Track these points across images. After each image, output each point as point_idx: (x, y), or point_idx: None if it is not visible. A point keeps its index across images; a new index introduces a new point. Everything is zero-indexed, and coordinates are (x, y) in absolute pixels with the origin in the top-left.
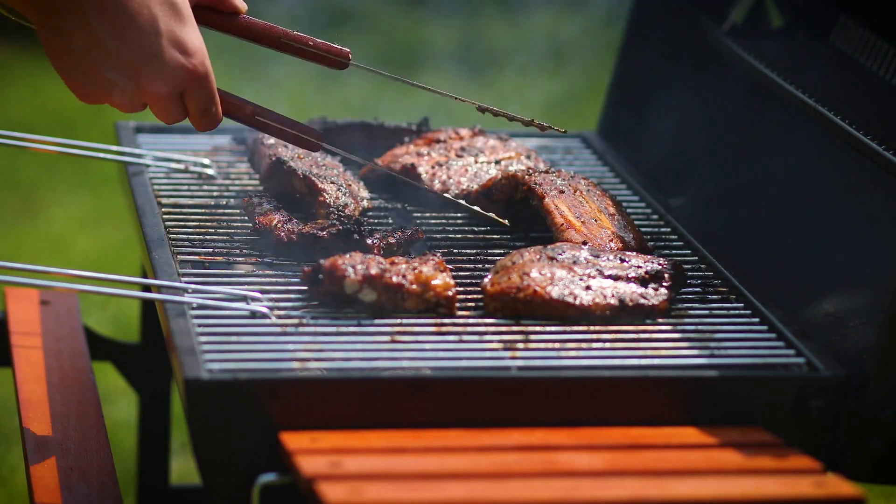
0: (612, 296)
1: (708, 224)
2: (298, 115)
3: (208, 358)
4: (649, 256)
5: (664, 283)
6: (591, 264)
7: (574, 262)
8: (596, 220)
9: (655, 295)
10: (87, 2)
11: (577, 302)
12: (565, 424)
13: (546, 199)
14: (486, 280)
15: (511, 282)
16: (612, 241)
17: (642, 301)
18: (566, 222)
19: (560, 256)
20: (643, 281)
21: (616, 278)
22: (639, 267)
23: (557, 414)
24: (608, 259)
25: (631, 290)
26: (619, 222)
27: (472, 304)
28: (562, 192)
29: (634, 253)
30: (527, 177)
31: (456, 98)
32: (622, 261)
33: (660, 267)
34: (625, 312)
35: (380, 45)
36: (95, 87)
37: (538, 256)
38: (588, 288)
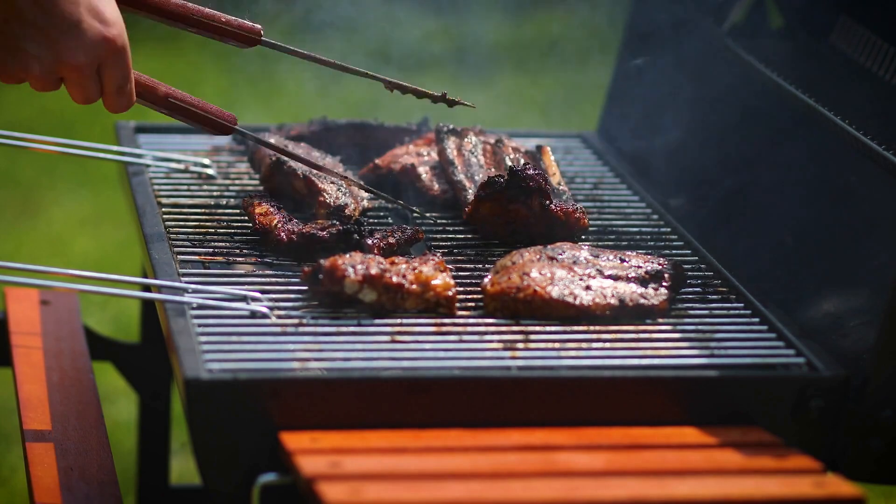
0: (612, 296)
1: (708, 224)
2: (299, 116)
3: (208, 358)
4: (649, 256)
5: (664, 283)
6: (591, 264)
7: (574, 262)
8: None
9: (655, 295)
10: None
11: (577, 302)
12: (565, 424)
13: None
14: (486, 280)
15: (511, 282)
16: None
17: (642, 301)
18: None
19: (560, 256)
20: (643, 281)
21: (616, 278)
22: (639, 267)
23: (557, 414)
24: (608, 259)
25: (631, 290)
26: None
27: (472, 305)
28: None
29: (634, 253)
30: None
31: (368, 75)
32: (622, 261)
33: (660, 267)
34: (625, 312)
35: (380, 45)
36: (15, 60)
37: (538, 256)
38: (588, 288)
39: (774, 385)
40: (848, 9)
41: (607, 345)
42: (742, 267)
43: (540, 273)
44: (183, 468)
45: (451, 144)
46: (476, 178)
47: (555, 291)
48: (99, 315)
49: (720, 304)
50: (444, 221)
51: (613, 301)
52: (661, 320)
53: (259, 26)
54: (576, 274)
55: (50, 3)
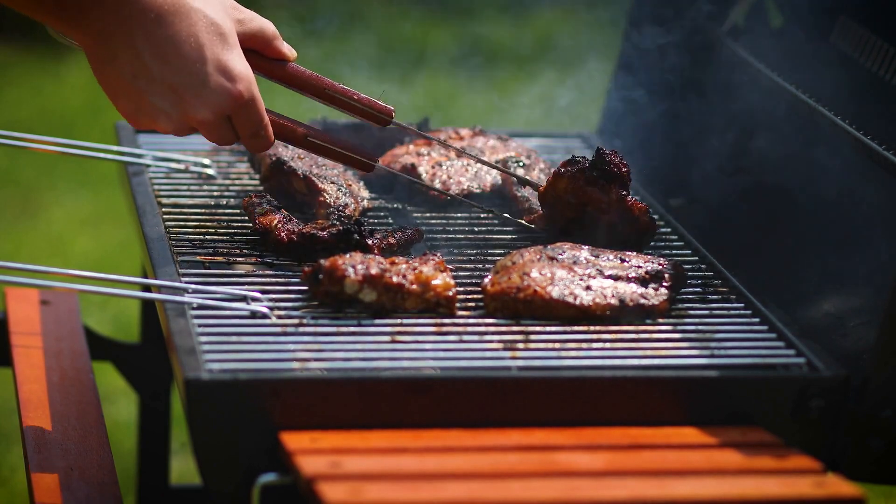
0: (613, 296)
1: (708, 224)
2: (299, 116)
3: (208, 358)
4: (649, 256)
5: (664, 283)
6: (591, 264)
7: (574, 262)
8: None
9: (656, 295)
10: (136, 29)
11: (578, 302)
12: (565, 424)
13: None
14: (486, 280)
15: (511, 282)
16: None
17: (642, 301)
18: None
19: (560, 256)
20: (643, 281)
21: (616, 278)
22: (639, 267)
23: (557, 414)
24: (608, 259)
25: (631, 290)
26: None
27: (473, 305)
28: None
29: (634, 253)
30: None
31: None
32: (622, 261)
33: (660, 267)
34: (625, 312)
35: (383, 45)
36: (142, 112)
37: (538, 256)
38: (588, 288)
39: (774, 385)
40: (848, 9)
41: (607, 345)
42: (742, 267)
43: (540, 273)
44: (183, 468)
45: (519, 172)
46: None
47: (555, 291)
48: (99, 315)
49: (720, 304)
50: (444, 221)
51: (614, 301)
52: (661, 320)
53: (391, 108)
54: (576, 274)
55: (177, 62)
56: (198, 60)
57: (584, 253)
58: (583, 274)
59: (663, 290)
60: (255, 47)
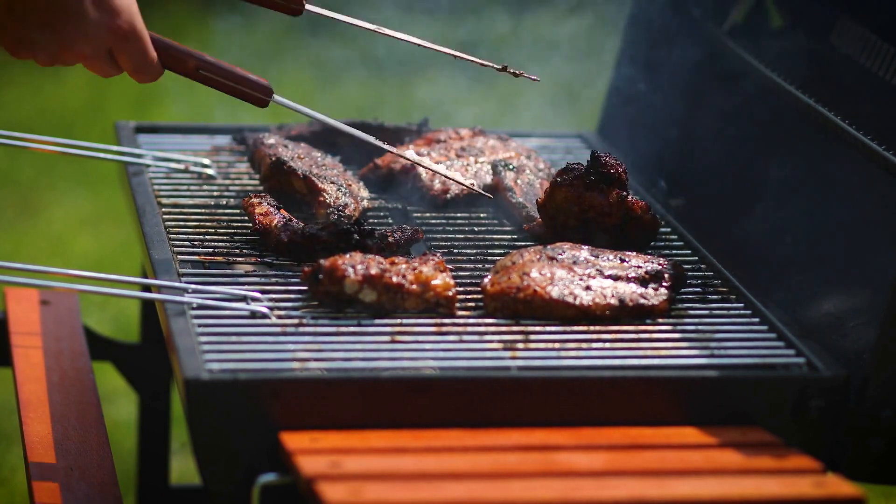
0: (612, 296)
1: (708, 224)
2: (299, 116)
3: (208, 358)
4: (649, 256)
5: (664, 283)
6: (591, 264)
7: (574, 262)
8: None
9: (655, 295)
10: None
11: (577, 302)
12: (565, 424)
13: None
14: (485, 280)
15: (511, 282)
16: None
17: (642, 301)
18: None
19: (560, 256)
20: (643, 281)
21: (616, 278)
22: (639, 267)
23: (557, 414)
24: (608, 259)
25: (631, 290)
26: None
27: (472, 305)
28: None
29: (634, 253)
30: None
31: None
32: (622, 261)
33: (660, 267)
34: (625, 312)
35: (379, 46)
36: (21, 46)
37: (538, 256)
38: (588, 288)
39: (774, 385)
40: (848, 9)
41: (607, 345)
42: (742, 267)
43: (540, 273)
44: (183, 468)
45: (509, 175)
46: (533, 201)
47: (555, 291)
48: (99, 315)
49: (720, 304)
50: (444, 221)
51: (613, 301)
52: (661, 320)
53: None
54: (576, 274)
55: None
56: None
57: (584, 253)
58: (582, 274)
59: (663, 290)
60: None
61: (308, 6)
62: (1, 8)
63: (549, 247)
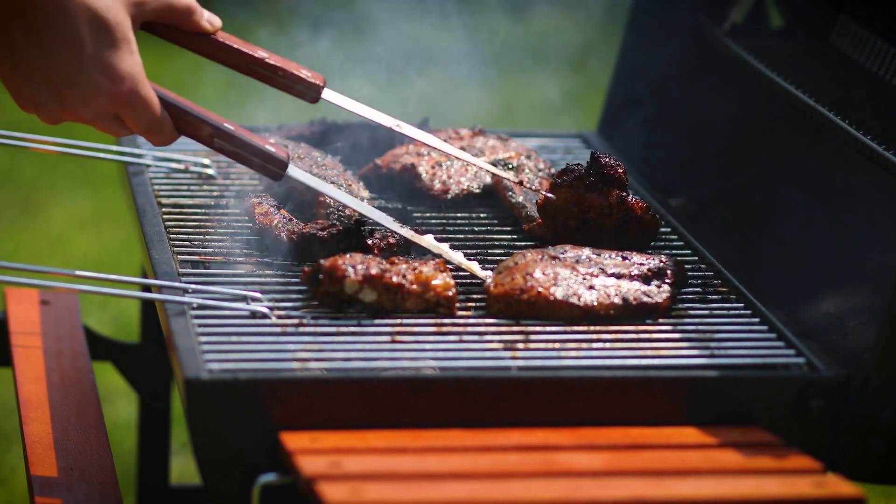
0: (616, 294)
1: (708, 224)
2: (299, 116)
3: (208, 358)
4: (650, 254)
5: (667, 280)
6: (594, 263)
7: (577, 261)
8: None
9: (658, 292)
10: (11, 17)
11: (581, 302)
12: (565, 424)
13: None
14: (489, 281)
15: (515, 283)
16: None
17: (646, 299)
18: None
19: (562, 255)
20: (646, 278)
21: (619, 276)
22: (641, 264)
23: (557, 414)
24: (610, 257)
25: (634, 289)
26: None
27: (473, 305)
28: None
29: (635, 252)
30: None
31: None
32: (624, 258)
33: (662, 264)
34: (629, 311)
35: (380, 46)
36: (24, 101)
37: (541, 256)
38: (591, 287)
39: (774, 385)
40: (848, 9)
41: (607, 345)
42: (742, 267)
43: (543, 273)
44: (183, 468)
45: (509, 175)
46: (533, 201)
47: (559, 292)
48: (99, 315)
49: (720, 304)
50: (444, 221)
51: (617, 300)
52: (661, 320)
53: (321, 80)
54: (579, 273)
55: (56, 57)
56: (76, 58)
57: (587, 252)
58: (585, 273)
59: (666, 287)
60: (169, 23)
61: (324, 95)
62: (6, 65)
63: (550, 247)
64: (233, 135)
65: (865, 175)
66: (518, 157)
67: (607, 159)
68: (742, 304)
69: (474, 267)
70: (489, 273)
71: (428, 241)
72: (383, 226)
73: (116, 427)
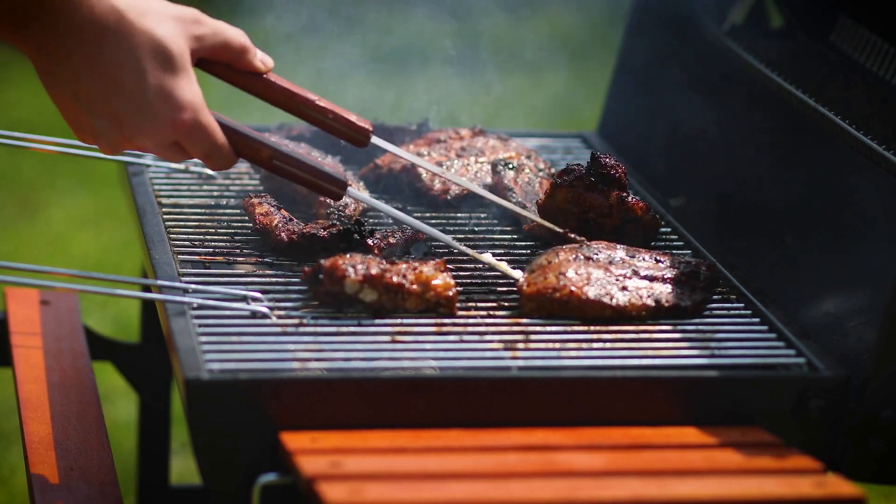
0: (649, 296)
1: (708, 224)
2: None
3: (208, 358)
4: (684, 257)
5: (699, 283)
6: (627, 264)
7: (610, 262)
8: None
9: (691, 295)
10: (74, 47)
11: (614, 303)
12: (565, 424)
13: None
14: (521, 280)
15: (548, 282)
16: None
17: (678, 301)
18: None
19: (596, 256)
20: (678, 281)
21: (652, 279)
22: (674, 267)
23: (557, 414)
24: (643, 259)
25: (667, 291)
26: None
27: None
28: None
29: (668, 253)
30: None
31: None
32: (657, 261)
33: (695, 268)
34: (661, 313)
35: (377, 45)
36: (83, 131)
37: (574, 256)
38: (624, 288)
39: (774, 385)
40: (848, 9)
41: (607, 345)
42: (742, 267)
43: (576, 273)
44: (183, 468)
45: (509, 175)
46: (533, 201)
47: (591, 292)
48: (99, 315)
49: (720, 304)
50: (444, 221)
51: (650, 302)
52: (661, 320)
53: (369, 127)
54: (612, 274)
55: (117, 86)
56: (138, 87)
57: (620, 253)
58: (619, 274)
59: (698, 290)
60: (223, 60)
61: (374, 140)
62: (66, 95)
63: (584, 246)
64: (291, 156)
65: (865, 175)
66: (518, 157)
67: (607, 159)
68: (742, 304)
69: (503, 266)
70: (520, 273)
71: (487, 258)
72: (448, 244)
73: (116, 427)
